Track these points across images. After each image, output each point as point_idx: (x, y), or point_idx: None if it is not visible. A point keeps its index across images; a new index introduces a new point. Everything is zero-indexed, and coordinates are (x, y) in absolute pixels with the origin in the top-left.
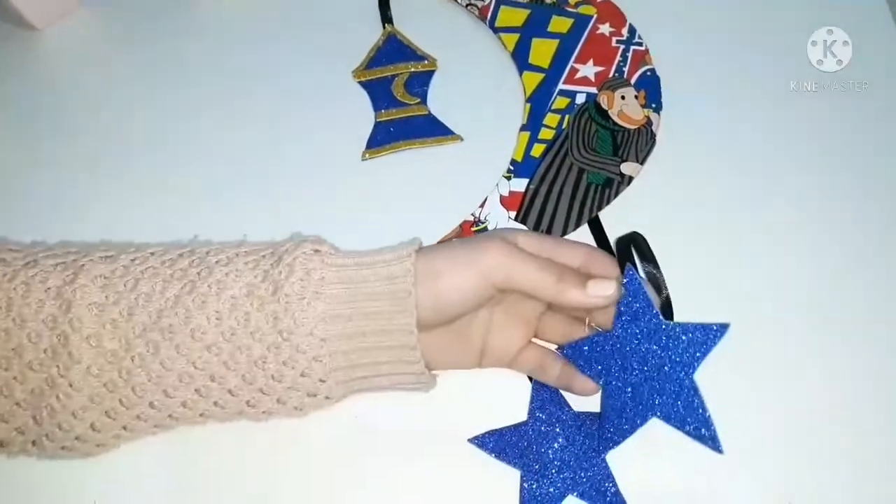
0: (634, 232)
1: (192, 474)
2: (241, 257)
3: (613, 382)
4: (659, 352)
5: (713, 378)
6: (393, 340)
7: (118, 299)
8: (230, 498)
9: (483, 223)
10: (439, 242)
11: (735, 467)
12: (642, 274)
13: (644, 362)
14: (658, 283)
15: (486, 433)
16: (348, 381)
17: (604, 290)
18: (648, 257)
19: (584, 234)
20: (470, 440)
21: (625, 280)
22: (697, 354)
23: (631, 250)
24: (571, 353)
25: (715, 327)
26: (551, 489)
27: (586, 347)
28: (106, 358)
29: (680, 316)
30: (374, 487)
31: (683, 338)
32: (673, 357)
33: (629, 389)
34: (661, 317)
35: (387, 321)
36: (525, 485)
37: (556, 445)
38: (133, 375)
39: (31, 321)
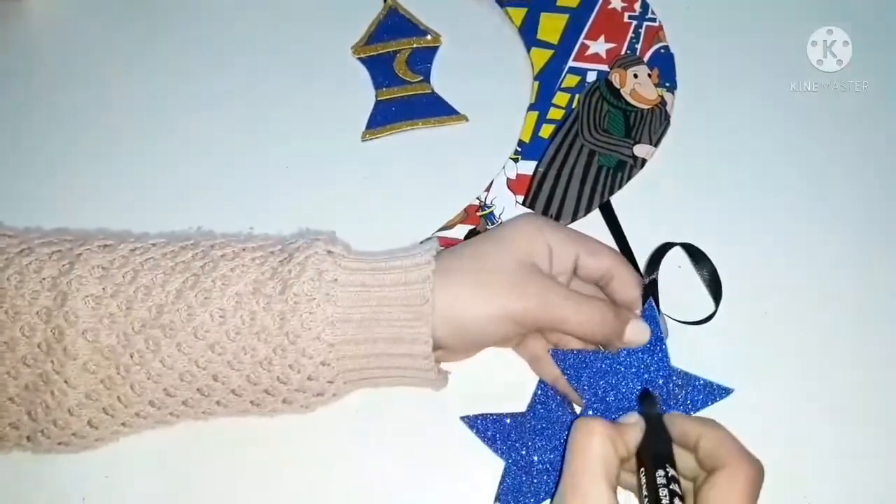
0: (689, 244)
1: (186, 465)
2: (248, 252)
3: (596, 403)
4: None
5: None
6: (405, 349)
7: (116, 292)
8: (222, 481)
9: (489, 207)
10: (443, 228)
11: None
12: (699, 278)
13: (631, 396)
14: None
15: (479, 415)
16: (357, 380)
17: (640, 338)
18: (703, 263)
19: (594, 219)
20: (462, 418)
21: (643, 313)
22: (690, 410)
23: (661, 261)
24: (563, 358)
25: (719, 390)
26: (532, 489)
27: (579, 359)
28: (103, 354)
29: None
30: (360, 463)
31: (684, 390)
32: (664, 402)
33: (609, 415)
34: (669, 359)
35: (399, 329)
36: (508, 479)
37: (549, 446)
38: (132, 373)
39: (25, 313)
